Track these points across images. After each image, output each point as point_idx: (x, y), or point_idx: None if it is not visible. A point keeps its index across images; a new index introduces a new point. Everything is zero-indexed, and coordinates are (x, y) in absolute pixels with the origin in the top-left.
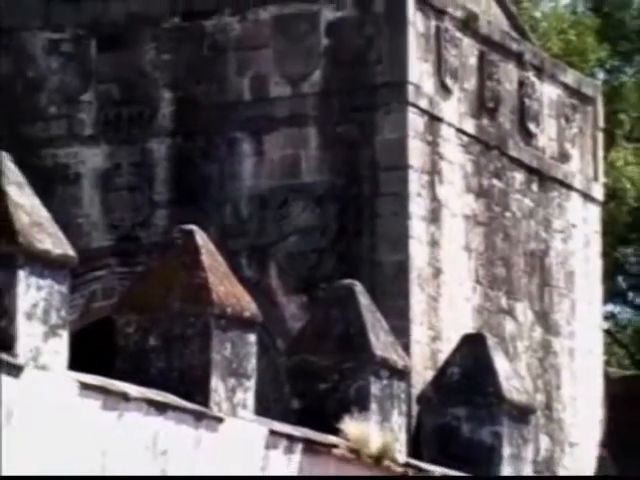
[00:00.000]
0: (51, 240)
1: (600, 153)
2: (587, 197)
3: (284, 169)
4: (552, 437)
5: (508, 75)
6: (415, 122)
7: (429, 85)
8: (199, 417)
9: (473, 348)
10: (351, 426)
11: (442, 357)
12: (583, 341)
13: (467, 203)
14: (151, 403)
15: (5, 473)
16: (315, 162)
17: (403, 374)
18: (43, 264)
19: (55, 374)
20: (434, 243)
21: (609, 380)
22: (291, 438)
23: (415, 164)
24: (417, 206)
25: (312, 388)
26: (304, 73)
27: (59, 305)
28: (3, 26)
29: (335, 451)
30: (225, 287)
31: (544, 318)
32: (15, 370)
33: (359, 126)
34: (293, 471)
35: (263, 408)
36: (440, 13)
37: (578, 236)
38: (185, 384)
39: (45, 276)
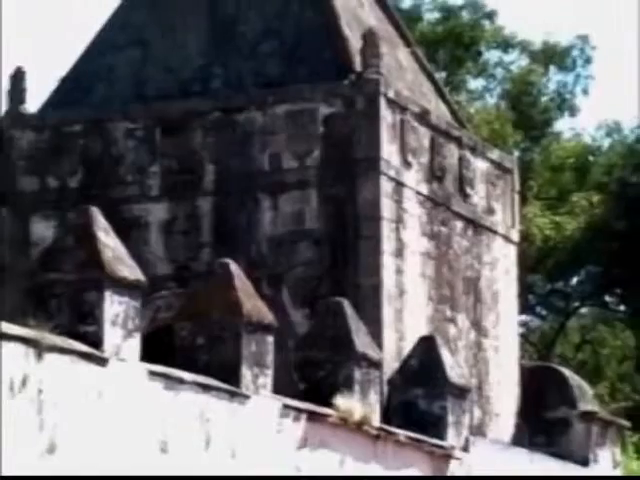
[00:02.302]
0: (128, 269)
1: (516, 208)
2: (507, 239)
3: (293, 219)
4: (482, 409)
5: (451, 153)
6: (385, 186)
7: (395, 160)
8: (233, 395)
9: (427, 346)
10: (341, 401)
11: (405, 352)
12: (504, 341)
13: (422, 244)
14: (199, 385)
15: (97, 436)
16: (315, 214)
17: (377, 364)
18: (122, 286)
19: (131, 364)
20: (399, 271)
21: (523, 369)
22: (298, 410)
23: (386, 216)
24: (387, 245)
25: (313, 375)
26: (307, 151)
27: (134, 315)
28: (96, 119)
29: (329, 419)
30: (251, 303)
31: (477, 325)
32: (102, 361)
33: (346, 189)
34: (299, 433)
35: (278, 389)
36: (403, 109)
37: (501, 267)
38: (223, 371)
39: (124, 295)
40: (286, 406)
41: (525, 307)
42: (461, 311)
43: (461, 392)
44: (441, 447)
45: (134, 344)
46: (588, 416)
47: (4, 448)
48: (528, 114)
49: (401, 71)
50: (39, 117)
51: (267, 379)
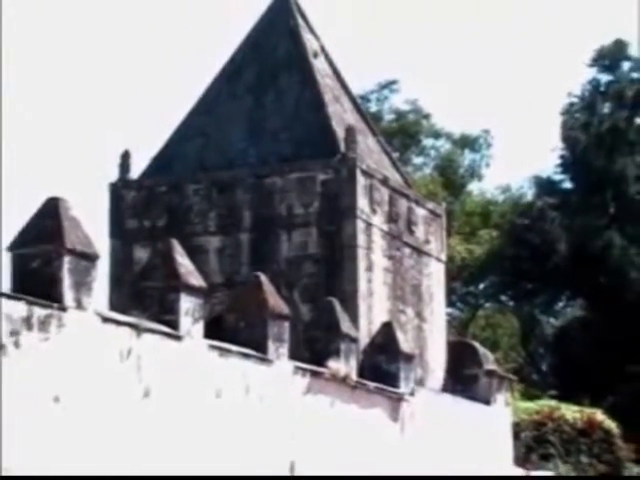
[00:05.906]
0: (195, 279)
1: (444, 240)
2: (438, 260)
3: (301, 247)
4: (423, 368)
5: (402, 204)
6: (360, 226)
7: (366, 209)
8: (262, 360)
9: (387, 329)
10: (332, 364)
11: (373, 332)
12: (436, 325)
13: (384, 262)
14: (241, 354)
15: (176, 386)
16: (315, 244)
17: (355, 340)
18: (191, 290)
19: (197, 340)
20: (369, 280)
21: (448, 343)
22: (304, 370)
23: (361, 244)
24: (361, 263)
25: (314, 346)
26: (310, 203)
27: (199, 309)
28: (175, 183)
29: (324, 375)
30: (274, 300)
31: (419, 315)
32: (179, 339)
33: (336, 227)
34: (305, 384)
35: (292, 356)
36: (371, 176)
37: (434, 278)
38: (256, 345)
39: (192, 295)
40: (297, 367)
41: (449, 303)
42: (409, 306)
43: (409, 358)
44: (396, 393)
45: (199, 328)
46: (490, 373)
47: (111, 392)
48: (451, 180)
49: (370, 152)
50: (139, 182)
51: (285, 350)
